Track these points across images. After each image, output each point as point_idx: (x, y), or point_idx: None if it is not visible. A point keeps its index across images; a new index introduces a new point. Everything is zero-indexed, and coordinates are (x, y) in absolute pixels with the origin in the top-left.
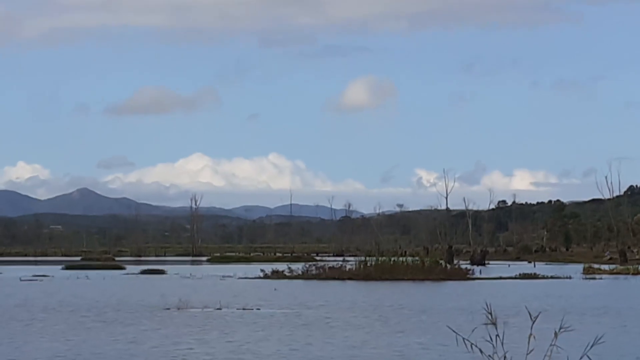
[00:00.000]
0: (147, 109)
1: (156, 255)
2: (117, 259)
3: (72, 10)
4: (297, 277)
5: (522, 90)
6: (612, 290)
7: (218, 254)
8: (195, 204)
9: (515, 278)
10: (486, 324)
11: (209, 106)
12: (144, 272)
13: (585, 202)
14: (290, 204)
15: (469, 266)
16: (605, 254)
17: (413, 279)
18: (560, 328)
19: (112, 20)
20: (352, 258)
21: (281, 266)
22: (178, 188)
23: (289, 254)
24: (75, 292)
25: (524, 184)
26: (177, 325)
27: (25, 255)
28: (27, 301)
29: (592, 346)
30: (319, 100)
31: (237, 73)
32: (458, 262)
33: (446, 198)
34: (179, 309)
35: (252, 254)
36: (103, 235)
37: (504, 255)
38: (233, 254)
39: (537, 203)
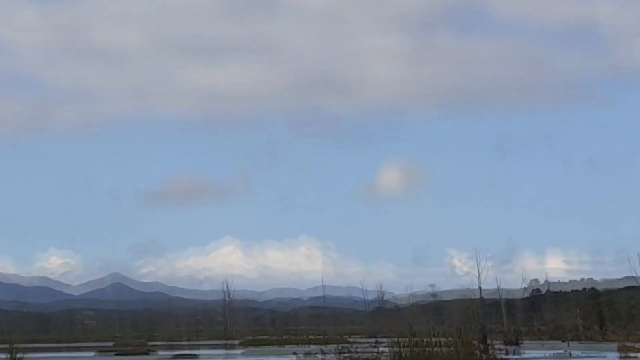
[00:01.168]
0: (179, 196)
1: (188, 340)
2: (149, 344)
3: (103, 100)
4: None
5: (553, 169)
6: None
7: (250, 337)
8: (228, 290)
9: (549, 359)
10: None
11: (240, 192)
12: (176, 357)
13: (618, 282)
14: (324, 294)
15: (502, 346)
16: None
17: None
18: None
19: (143, 108)
20: (385, 339)
21: (314, 349)
22: (209, 272)
23: (322, 336)
24: None
25: (556, 263)
26: None
27: (58, 342)
28: None
29: None
30: (350, 185)
31: (268, 159)
32: (492, 341)
33: (480, 287)
34: None
35: (284, 337)
36: (135, 322)
37: (537, 335)
38: (265, 337)
39: (572, 291)
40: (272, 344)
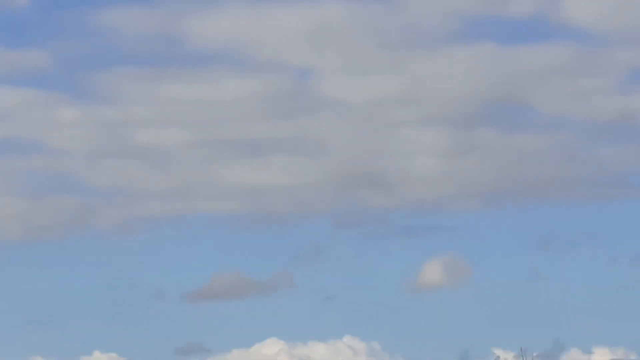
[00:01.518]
0: (223, 295)
1: None
2: None
3: (146, 200)
4: None
5: (599, 265)
6: None
7: None
8: None
9: None
10: None
11: (284, 289)
12: None
13: None
14: None
15: None
16: None
17: None
18: None
19: (186, 207)
20: None
21: None
22: None
23: None
24: None
25: None
26: None
27: None
28: None
29: None
30: (394, 281)
31: (311, 256)
32: None
33: None
34: None
35: None
36: None
37: None
38: None
39: None
40: None
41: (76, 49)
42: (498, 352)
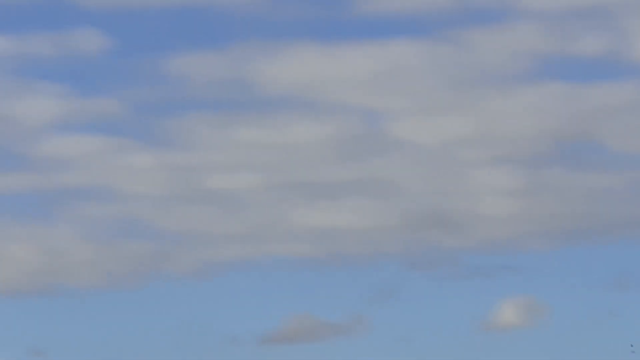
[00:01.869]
0: (297, 338)
1: None
2: None
3: (219, 244)
4: None
5: None
6: None
7: None
8: None
9: None
10: None
11: (357, 331)
12: None
13: None
14: None
15: None
16: None
17: None
18: None
19: (259, 251)
20: None
21: None
22: None
23: None
24: None
25: None
26: None
27: None
28: None
29: None
30: (467, 321)
31: (384, 297)
32: None
33: None
34: None
35: None
36: None
37: None
38: None
39: None
40: None
41: (147, 95)
42: None
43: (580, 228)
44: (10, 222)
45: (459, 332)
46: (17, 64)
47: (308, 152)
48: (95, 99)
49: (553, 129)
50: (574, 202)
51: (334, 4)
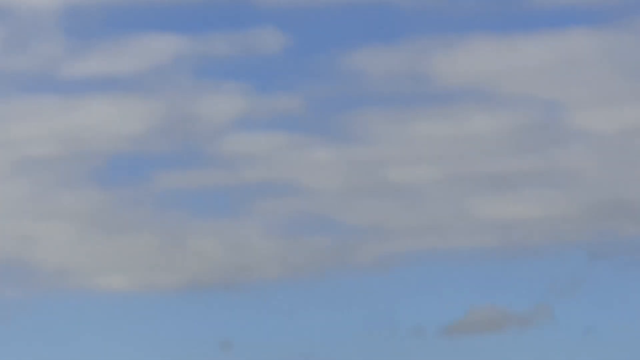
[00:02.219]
0: (481, 328)
1: None
2: None
3: (400, 236)
4: None
5: None
6: None
7: None
8: None
9: None
10: None
11: (542, 322)
12: None
13: None
14: None
15: None
16: None
17: None
18: None
19: (439, 242)
20: None
21: None
22: None
23: None
24: None
25: None
26: None
27: None
28: None
29: None
30: None
31: (568, 288)
32: None
33: None
34: None
35: None
36: None
37: None
38: None
39: None
40: None
41: (327, 91)
42: None
43: None
44: (197, 217)
45: None
46: (199, 64)
47: (486, 143)
48: (275, 96)
49: None
50: None
51: None
